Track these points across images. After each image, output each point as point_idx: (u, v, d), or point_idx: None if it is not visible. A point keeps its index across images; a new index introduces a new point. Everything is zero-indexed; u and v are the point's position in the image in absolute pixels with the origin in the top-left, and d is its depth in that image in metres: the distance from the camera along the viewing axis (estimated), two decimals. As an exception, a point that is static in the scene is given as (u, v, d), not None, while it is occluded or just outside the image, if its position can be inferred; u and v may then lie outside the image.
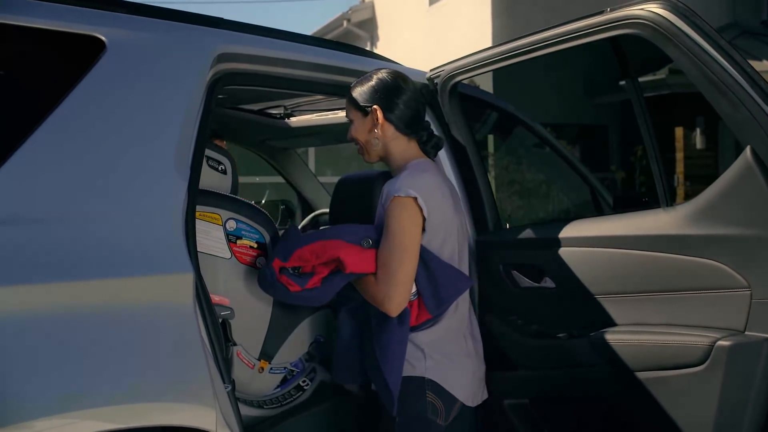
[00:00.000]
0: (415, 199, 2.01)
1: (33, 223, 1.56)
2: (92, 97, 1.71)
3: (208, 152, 2.28)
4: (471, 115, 2.81)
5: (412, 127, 2.17)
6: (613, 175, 11.99)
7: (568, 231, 2.33)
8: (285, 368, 2.48)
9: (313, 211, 4.21)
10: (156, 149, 1.79)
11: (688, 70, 1.97)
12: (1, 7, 1.66)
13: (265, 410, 2.35)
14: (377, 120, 2.14)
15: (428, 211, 2.04)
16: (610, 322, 2.22)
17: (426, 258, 2.06)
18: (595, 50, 2.37)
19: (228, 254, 2.28)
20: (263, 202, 4.36)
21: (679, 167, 11.50)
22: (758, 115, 1.86)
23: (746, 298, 1.93)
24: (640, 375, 2.13)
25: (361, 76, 2.23)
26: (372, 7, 15.02)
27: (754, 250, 1.92)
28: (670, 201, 2.14)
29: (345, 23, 14.92)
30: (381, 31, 14.93)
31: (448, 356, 2.11)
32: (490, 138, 10.63)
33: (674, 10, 1.96)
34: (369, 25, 15.10)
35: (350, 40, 14.04)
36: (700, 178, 11.11)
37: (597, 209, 3.11)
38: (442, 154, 2.61)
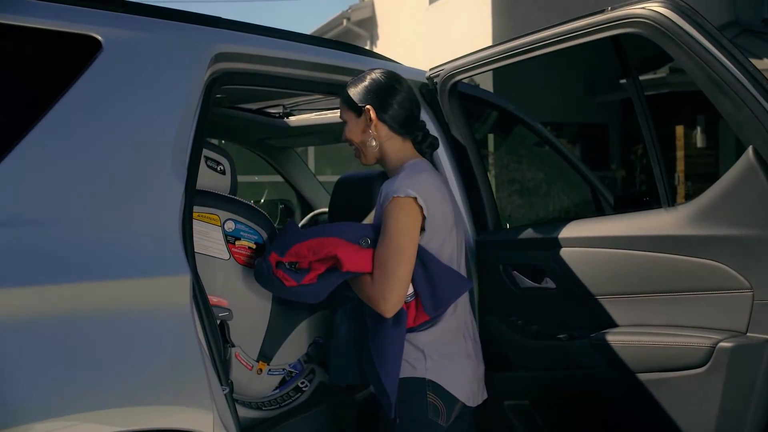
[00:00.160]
0: (415, 199, 2.01)
1: (25, 225, 1.54)
2: (88, 98, 1.70)
3: (206, 152, 2.27)
4: (471, 114, 2.79)
5: (406, 127, 2.16)
6: (613, 173, 11.99)
7: (569, 231, 2.32)
8: (284, 369, 2.47)
9: (313, 210, 4.20)
10: (152, 150, 1.77)
11: (690, 70, 1.96)
12: None
13: (263, 412, 2.34)
14: (371, 120, 2.13)
15: (428, 210, 2.03)
16: (611, 323, 2.21)
17: (425, 259, 2.05)
18: (596, 48, 2.36)
19: (226, 255, 2.27)
20: (262, 201, 4.35)
21: (680, 166, 11.49)
22: (760, 114, 1.84)
23: (748, 300, 1.92)
24: (641, 376, 2.11)
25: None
26: (372, 5, 15.01)
27: (757, 251, 1.90)
28: (672, 201, 2.12)
29: (345, 22, 14.91)
30: (381, 30, 14.91)
31: (448, 357, 2.10)
32: (490, 137, 10.62)
33: (676, 8, 1.94)
34: (369, 23, 15.09)
35: (350, 39, 14.02)
36: (700, 176, 11.11)
37: (598, 209, 3.09)
38: (442, 154, 2.60)
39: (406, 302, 2.04)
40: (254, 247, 2.31)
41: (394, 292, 1.98)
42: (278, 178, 4.45)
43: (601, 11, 2.12)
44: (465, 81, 2.65)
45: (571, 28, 2.21)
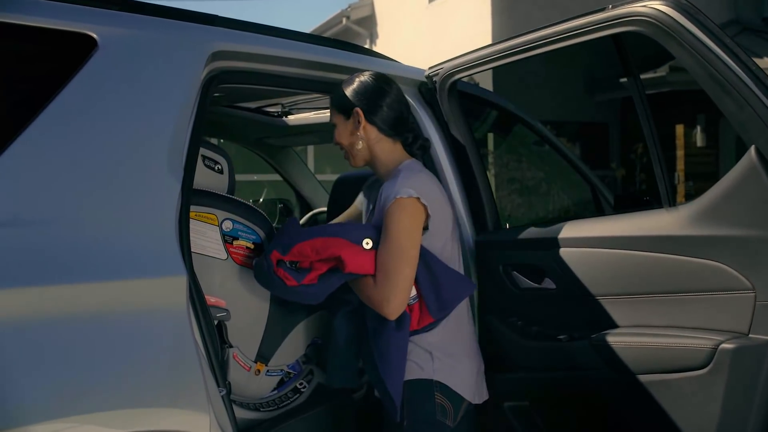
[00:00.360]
0: (418, 198, 1.99)
1: (18, 225, 1.52)
2: (83, 97, 1.68)
3: (204, 151, 2.25)
4: (470, 113, 2.78)
5: (396, 128, 2.16)
6: (613, 172, 11.98)
7: (569, 231, 2.30)
8: (282, 370, 2.46)
9: (312, 209, 4.19)
10: (148, 149, 1.76)
11: (692, 68, 1.94)
12: None
13: (261, 413, 2.33)
14: (359, 122, 2.13)
15: (432, 209, 2.03)
16: (612, 324, 2.19)
17: (429, 261, 2.04)
18: (596, 47, 2.34)
19: (224, 255, 2.26)
20: (261, 200, 4.33)
21: (680, 165, 11.48)
22: (763, 113, 1.83)
23: (750, 300, 1.90)
24: (642, 378, 2.10)
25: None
26: (371, 4, 14.99)
27: (759, 252, 1.89)
28: (673, 201, 2.11)
29: (344, 20, 14.90)
30: (380, 29, 14.90)
31: (454, 356, 2.11)
32: (490, 136, 10.61)
33: (677, 6, 1.93)
34: (368, 22, 15.07)
35: (349, 38, 14.02)
36: (700, 176, 11.10)
37: (598, 208, 3.08)
38: (441, 154, 2.58)
39: (409, 305, 2.03)
40: (252, 246, 2.29)
41: (398, 294, 1.96)
42: (277, 177, 4.44)
43: (602, 9, 2.10)
44: (464, 80, 2.63)
45: (572, 26, 2.20)
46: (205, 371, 1.75)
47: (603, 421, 2.32)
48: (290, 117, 3.67)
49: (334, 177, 4.32)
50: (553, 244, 2.31)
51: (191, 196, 1.87)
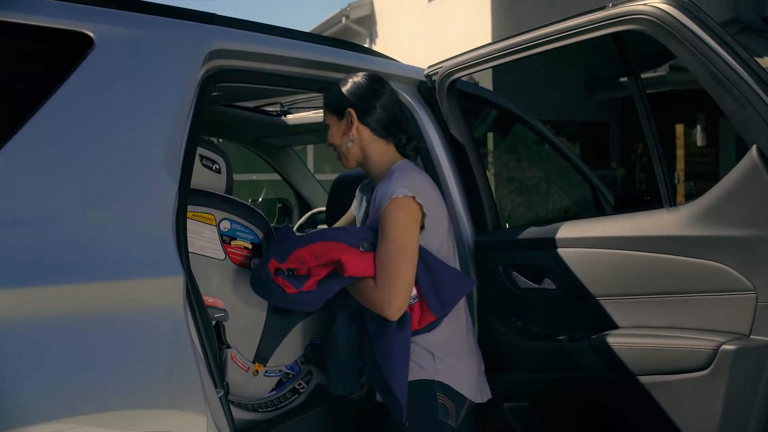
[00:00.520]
0: (413, 197, 1.99)
1: (13, 225, 1.51)
2: (79, 96, 1.66)
3: (202, 151, 2.24)
4: (470, 112, 2.77)
5: (389, 129, 2.15)
6: (613, 172, 11.97)
7: (569, 231, 2.29)
8: (280, 371, 2.45)
9: (311, 209, 4.18)
10: (145, 149, 1.74)
11: (693, 67, 1.93)
12: None
13: (259, 414, 2.32)
14: (352, 123, 2.13)
15: (427, 207, 2.03)
16: (612, 325, 2.18)
17: (428, 260, 2.04)
18: (596, 46, 2.33)
19: (222, 255, 2.24)
20: (260, 200, 4.32)
21: (680, 164, 11.47)
22: (764, 113, 1.81)
23: (752, 301, 1.89)
24: (642, 379, 2.09)
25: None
26: (371, 3, 14.98)
27: (760, 252, 1.87)
28: (673, 201, 2.10)
29: (344, 20, 14.88)
30: (380, 28, 14.88)
31: (455, 356, 2.10)
32: (490, 135, 10.60)
33: (678, 5, 1.91)
34: (368, 21, 15.05)
35: (349, 37, 14.01)
36: (700, 175, 11.09)
37: (598, 208, 3.07)
38: (440, 153, 2.57)
39: (409, 304, 2.03)
40: (250, 247, 2.28)
41: (399, 294, 1.96)
42: (276, 177, 4.43)
43: (602, 8, 2.09)
44: (464, 79, 2.62)
45: (572, 24, 2.19)
46: (202, 372, 1.74)
47: (603, 423, 2.31)
48: (289, 116, 3.66)
49: (333, 176, 4.31)
50: (553, 244, 2.30)
51: (189, 195, 1.86)
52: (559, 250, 2.28)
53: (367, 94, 2.14)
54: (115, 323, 1.58)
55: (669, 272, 2.03)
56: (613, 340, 2.14)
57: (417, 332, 2.06)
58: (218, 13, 2.07)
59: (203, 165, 2.26)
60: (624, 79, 2.25)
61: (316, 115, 3.56)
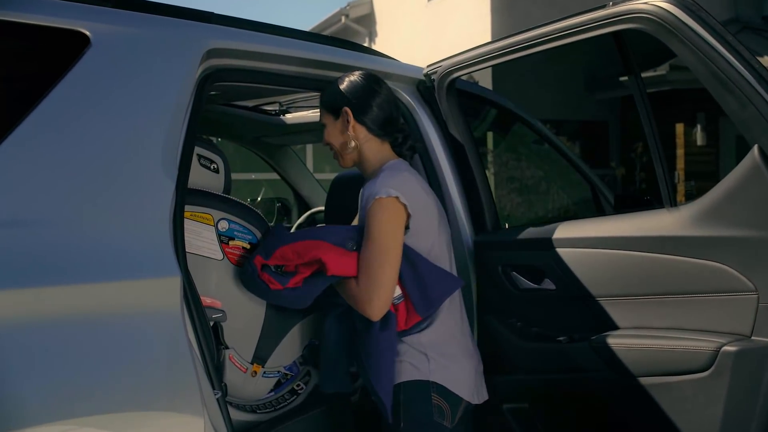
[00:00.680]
0: (397, 198, 1.98)
1: (9, 226, 1.49)
2: (75, 95, 1.65)
3: (200, 150, 2.23)
4: (469, 111, 2.76)
5: (384, 128, 2.15)
6: (613, 171, 11.96)
7: (569, 231, 2.28)
8: (279, 372, 2.44)
9: (310, 208, 4.17)
10: (142, 148, 1.73)
11: (694, 66, 1.92)
12: None
13: (258, 415, 2.31)
14: (348, 121, 2.12)
15: (412, 208, 2.02)
16: (612, 326, 2.17)
17: (414, 259, 2.03)
18: (596, 45, 2.32)
19: (220, 255, 2.23)
20: (259, 199, 4.31)
21: (680, 164, 11.46)
22: (766, 112, 1.80)
23: (753, 302, 1.88)
24: (643, 380, 2.08)
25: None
26: (370, 2, 14.97)
27: (761, 252, 1.86)
28: (674, 201, 2.09)
29: (343, 19, 14.87)
30: (379, 27, 14.87)
31: (450, 356, 2.09)
32: (489, 135, 10.59)
33: (679, 3, 1.91)
34: (367, 20, 15.04)
35: (348, 36, 14.00)
36: (700, 175, 11.08)
37: (598, 208, 3.06)
38: (439, 153, 2.57)
39: (394, 304, 2.02)
40: (248, 247, 2.27)
41: (380, 294, 1.95)
42: (275, 176, 4.42)
43: (602, 7, 2.08)
44: (463, 78, 2.61)
45: (572, 23, 2.18)
46: (199, 373, 1.72)
47: (603, 424, 2.31)
48: (288, 115, 3.65)
49: (332, 176, 4.30)
50: (553, 244, 2.29)
51: (186, 195, 1.85)
52: (559, 251, 2.27)
53: (364, 93, 2.13)
54: (111, 324, 1.57)
55: (670, 273, 2.02)
56: (614, 340, 2.13)
57: (406, 333, 2.05)
58: (216, 11, 2.07)
59: (201, 164, 2.25)
60: (624, 78, 2.24)
61: (314, 115, 3.54)
